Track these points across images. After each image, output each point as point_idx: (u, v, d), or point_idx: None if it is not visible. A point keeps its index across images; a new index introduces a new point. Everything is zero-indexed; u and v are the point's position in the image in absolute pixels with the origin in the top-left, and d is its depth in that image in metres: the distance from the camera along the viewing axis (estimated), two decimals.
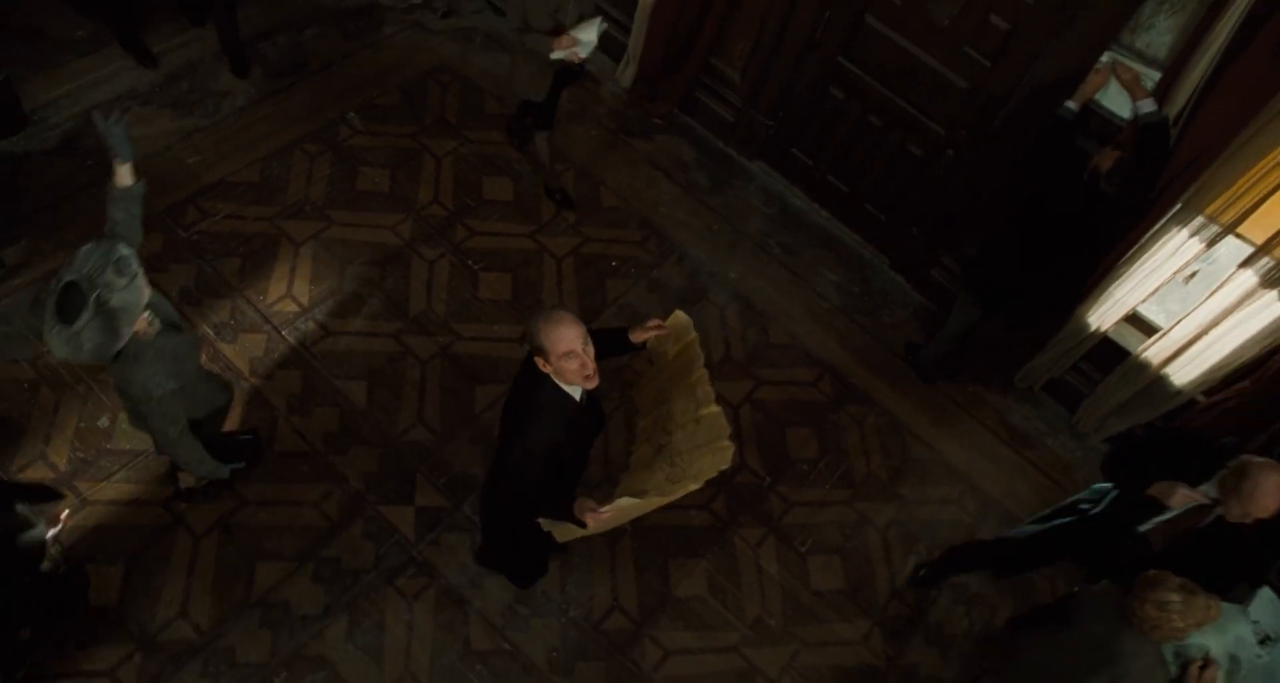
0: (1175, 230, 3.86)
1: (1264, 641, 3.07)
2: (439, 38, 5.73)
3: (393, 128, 5.20)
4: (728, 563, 4.14)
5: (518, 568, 3.79)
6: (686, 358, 3.14)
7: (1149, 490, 3.04)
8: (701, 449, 3.04)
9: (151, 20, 5.20)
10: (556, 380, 2.73)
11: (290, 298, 4.48)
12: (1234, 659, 3.05)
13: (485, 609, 3.83)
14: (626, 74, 5.54)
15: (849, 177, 5.13)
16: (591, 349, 2.67)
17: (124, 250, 2.62)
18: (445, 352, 4.46)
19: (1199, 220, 3.79)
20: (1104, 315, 4.30)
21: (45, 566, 3.25)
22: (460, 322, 4.57)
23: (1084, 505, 3.47)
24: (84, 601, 3.49)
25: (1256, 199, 3.64)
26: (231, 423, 3.89)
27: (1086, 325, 4.38)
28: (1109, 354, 4.48)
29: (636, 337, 3.04)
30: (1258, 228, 3.79)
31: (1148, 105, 3.58)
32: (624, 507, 2.79)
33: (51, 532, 3.20)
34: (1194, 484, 3.03)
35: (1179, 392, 4.27)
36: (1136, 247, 4.00)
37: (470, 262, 4.78)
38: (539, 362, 2.69)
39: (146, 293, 2.67)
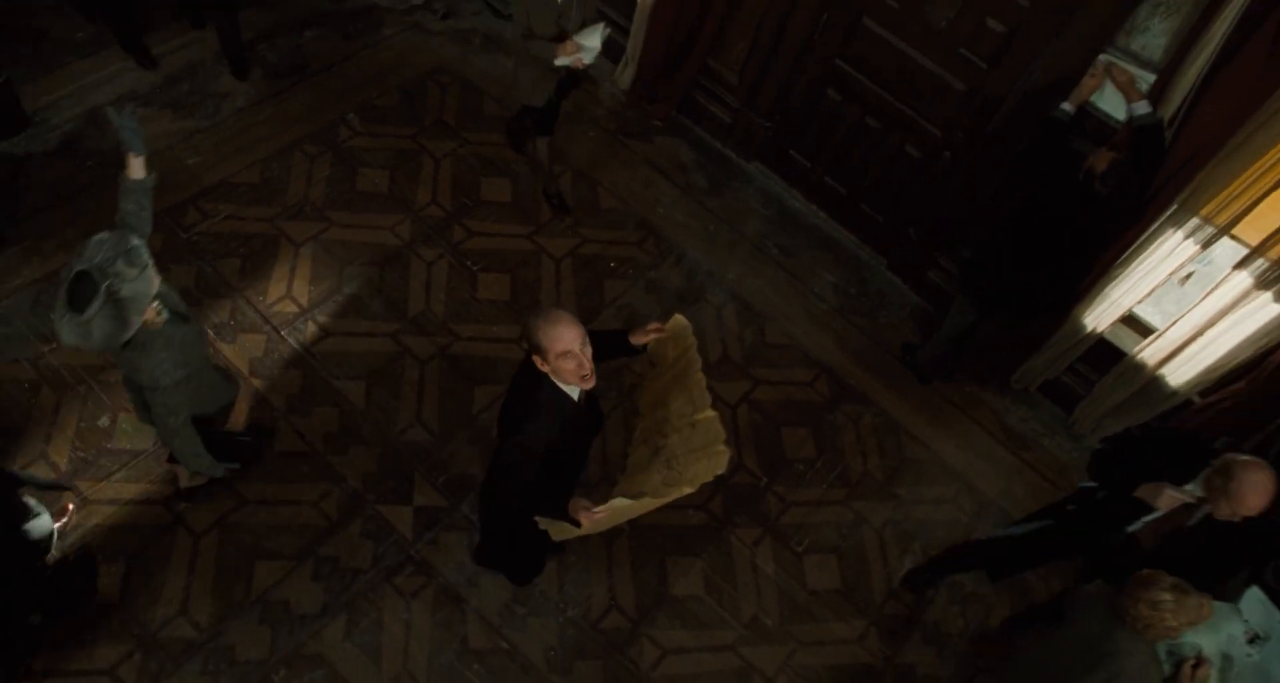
0: (1171, 232, 3.88)
1: (1253, 640, 3.09)
2: (438, 39, 5.75)
3: (392, 129, 5.23)
4: (724, 563, 4.15)
5: (515, 566, 3.81)
6: (685, 362, 3.16)
7: (1136, 492, 3.05)
8: (697, 453, 3.06)
9: (152, 22, 5.24)
10: (554, 380, 2.75)
11: (290, 298, 4.50)
12: (1227, 658, 3.07)
13: (483, 608, 3.84)
14: (625, 76, 5.56)
15: (846, 178, 5.15)
16: (589, 350, 2.69)
17: (135, 241, 2.68)
18: (443, 352, 4.48)
19: (1194, 222, 3.81)
20: (1100, 316, 4.32)
21: (54, 554, 3.30)
22: (458, 322, 4.58)
23: (1071, 506, 3.49)
24: (94, 588, 3.52)
25: (1251, 201, 3.66)
26: (241, 415, 3.91)
27: (1083, 326, 4.40)
28: (1105, 355, 4.50)
29: (637, 340, 3.06)
30: (1252, 229, 3.80)
31: (1142, 107, 3.60)
32: (618, 508, 2.81)
33: (58, 524, 3.25)
34: (1180, 483, 3.04)
35: (1175, 393, 4.28)
36: (1132, 248, 4.02)
37: (469, 262, 4.80)
38: (537, 361, 2.71)
39: (156, 283, 2.73)
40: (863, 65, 4.64)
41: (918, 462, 4.63)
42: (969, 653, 4.12)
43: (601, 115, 5.60)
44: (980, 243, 4.39)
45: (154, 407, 2.98)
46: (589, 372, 2.69)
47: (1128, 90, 3.63)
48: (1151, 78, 3.66)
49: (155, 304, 2.77)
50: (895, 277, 5.25)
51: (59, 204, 4.53)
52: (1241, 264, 3.81)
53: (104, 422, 3.99)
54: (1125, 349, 4.41)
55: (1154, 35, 3.67)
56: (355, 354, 4.39)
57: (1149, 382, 4.35)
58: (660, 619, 3.96)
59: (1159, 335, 4.22)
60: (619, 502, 2.79)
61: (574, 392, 2.81)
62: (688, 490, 2.84)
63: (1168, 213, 3.84)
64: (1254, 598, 3.21)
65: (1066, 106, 3.76)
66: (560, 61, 4.16)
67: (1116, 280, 4.14)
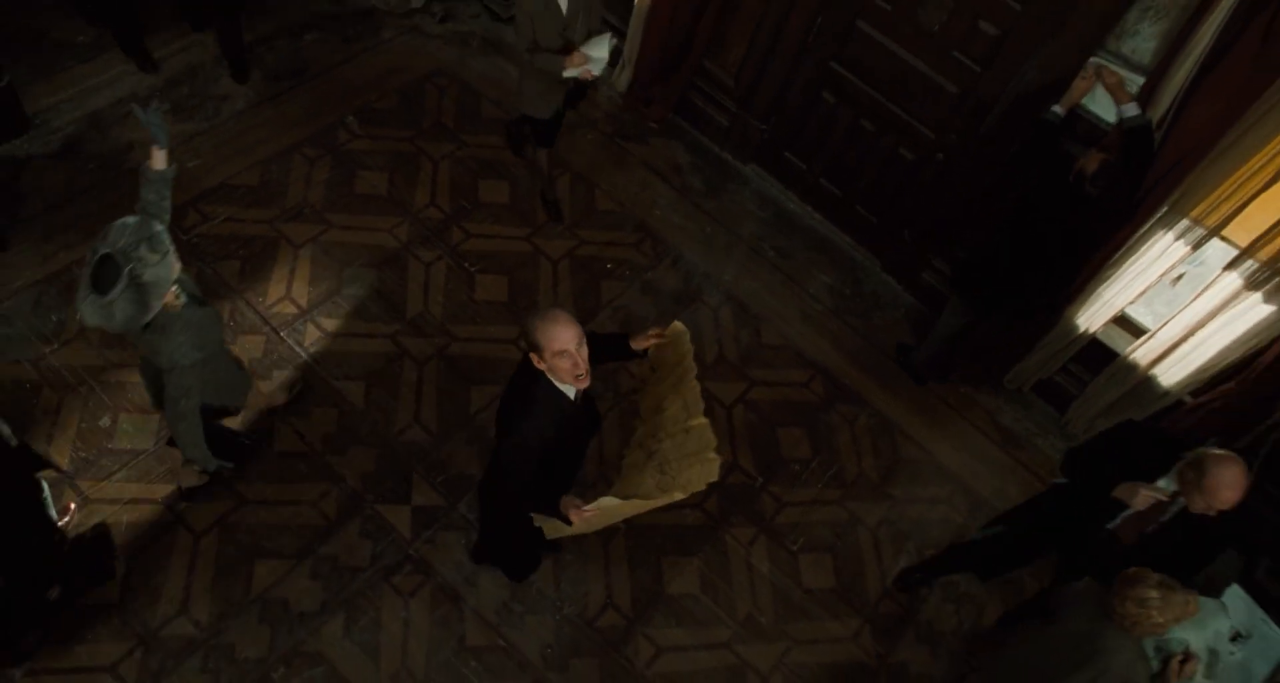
0: (1162, 233, 3.92)
1: (1236, 638, 3.12)
2: (437, 42, 5.78)
3: (391, 131, 5.26)
4: (720, 561, 4.18)
5: (512, 561, 3.85)
6: (683, 368, 3.20)
7: (1114, 493, 3.08)
8: (689, 459, 3.10)
9: (153, 25, 5.26)
10: (551, 378, 2.79)
11: (289, 300, 4.53)
12: (1213, 653, 3.11)
13: (480, 606, 3.88)
14: (622, 78, 5.59)
15: (842, 180, 5.19)
16: (586, 350, 2.73)
17: (158, 227, 2.76)
18: (442, 353, 4.51)
19: (1185, 223, 3.85)
20: (1092, 317, 4.35)
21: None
22: (456, 323, 4.62)
23: (1047, 505, 3.53)
24: (112, 563, 3.57)
25: (1241, 202, 3.69)
26: (259, 402, 3.97)
27: (1075, 327, 4.44)
28: (1097, 355, 4.53)
29: (637, 344, 3.10)
30: (1242, 231, 3.84)
31: (1132, 109, 3.65)
32: (608, 507, 2.85)
33: (61, 522, 3.29)
34: (1152, 479, 3.07)
35: (1166, 393, 4.31)
36: (1124, 249, 4.05)
37: (467, 264, 4.83)
38: (534, 358, 2.75)
39: (177, 268, 2.82)
40: (857, 68, 4.68)
41: (912, 462, 4.66)
42: (962, 652, 4.15)
43: (599, 118, 5.63)
44: (974, 244, 4.43)
45: (168, 387, 3.05)
46: (584, 372, 2.73)
47: (1117, 93, 3.67)
48: (1141, 80, 3.70)
49: (174, 288, 2.86)
50: (890, 278, 5.29)
51: (60, 206, 4.56)
52: (1231, 265, 3.85)
53: (105, 422, 4.02)
54: (1117, 349, 4.45)
55: (1144, 38, 3.71)
56: (354, 355, 4.42)
57: (1141, 382, 4.38)
58: (656, 618, 3.99)
59: (1151, 336, 4.26)
60: (608, 501, 2.82)
61: (570, 390, 2.85)
62: (679, 496, 2.88)
63: (1158, 214, 3.87)
64: (1235, 596, 3.24)
65: (1057, 109, 3.80)
66: (569, 73, 4.17)
67: (1108, 281, 4.17)
